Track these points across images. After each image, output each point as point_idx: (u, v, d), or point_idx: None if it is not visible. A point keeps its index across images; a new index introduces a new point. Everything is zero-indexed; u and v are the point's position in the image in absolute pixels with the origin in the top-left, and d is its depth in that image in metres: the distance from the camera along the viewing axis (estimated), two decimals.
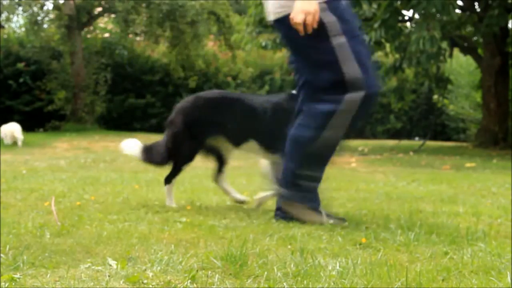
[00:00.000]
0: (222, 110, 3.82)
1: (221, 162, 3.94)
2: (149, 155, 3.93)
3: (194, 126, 3.79)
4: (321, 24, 3.06)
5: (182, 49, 17.54)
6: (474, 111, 18.32)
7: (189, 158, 3.86)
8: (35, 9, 17.23)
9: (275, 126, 3.68)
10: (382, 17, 10.16)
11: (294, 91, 3.75)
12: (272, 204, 4.09)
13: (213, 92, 4.32)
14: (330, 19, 3.07)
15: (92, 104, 17.28)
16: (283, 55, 16.82)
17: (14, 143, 12.32)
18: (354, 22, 3.22)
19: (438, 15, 10.17)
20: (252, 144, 3.80)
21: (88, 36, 18.54)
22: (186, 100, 3.97)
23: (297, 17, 3.02)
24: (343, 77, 3.08)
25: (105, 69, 17.57)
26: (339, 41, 3.08)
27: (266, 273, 1.96)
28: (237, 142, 3.84)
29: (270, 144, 3.72)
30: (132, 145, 3.94)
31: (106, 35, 19.44)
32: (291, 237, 2.68)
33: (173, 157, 3.86)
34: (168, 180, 3.91)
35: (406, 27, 12.06)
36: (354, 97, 3.08)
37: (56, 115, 17.18)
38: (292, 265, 2.07)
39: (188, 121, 3.80)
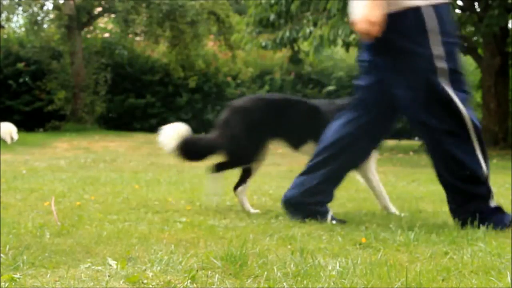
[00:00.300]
0: (283, 112, 3.75)
1: (247, 173, 3.85)
2: (188, 151, 3.76)
3: (255, 127, 3.69)
4: (424, 29, 2.91)
5: (182, 49, 17.53)
6: (474, 111, 18.29)
7: (252, 159, 3.74)
8: (35, 9, 17.22)
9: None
10: None
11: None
12: (271, 204, 4.09)
13: (274, 94, 4.29)
14: (434, 26, 2.92)
15: (92, 104, 17.27)
16: (283, 55, 16.82)
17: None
18: (453, 27, 3.10)
19: None
20: (312, 147, 3.71)
21: (88, 36, 18.52)
22: (244, 100, 3.87)
23: (361, 26, 2.87)
24: (441, 91, 2.95)
25: (105, 69, 17.55)
26: (439, 51, 2.93)
27: (266, 273, 1.96)
28: (297, 144, 3.79)
29: None
30: (170, 137, 3.73)
31: (106, 35, 19.43)
32: (291, 237, 2.68)
33: (233, 159, 3.73)
34: (218, 168, 3.76)
35: None
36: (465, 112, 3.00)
37: (56, 115, 17.16)
38: (292, 265, 2.07)
39: (248, 121, 3.69)
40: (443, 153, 3.05)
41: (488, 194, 3.04)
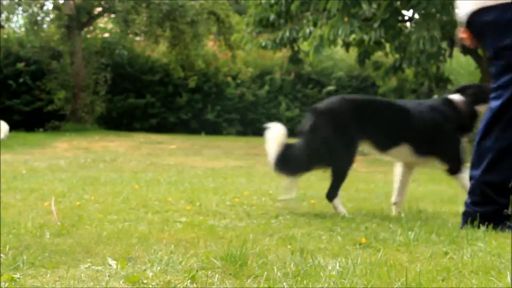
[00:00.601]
0: (372, 113, 3.67)
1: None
2: (285, 166, 3.64)
3: (345, 129, 3.59)
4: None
5: (182, 49, 17.51)
6: None
7: (350, 162, 3.65)
8: (35, 9, 17.20)
9: (431, 130, 3.59)
10: (382, 17, 10.16)
11: (449, 95, 3.66)
12: (271, 204, 4.09)
13: (360, 96, 4.21)
14: None
15: (92, 104, 17.26)
16: (283, 55, 16.80)
17: None
18: None
19: (438, 15, 10.17)
20: (402, 149, 3.67)
21: (88, 36, 18.51)
22: (330, 102, 3.75)
23: None
24: None
25: (105, 69, 17.54)
26: None
27: (266, 273, 1.96)
28: (386, 146, 3.70)
29: (423, 149, 3.61)
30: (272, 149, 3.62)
31: (106, 35, 19.42)
32: (291, 237, 2.68)
33: (332, 166, 3.64)
34: (333, 195, 3.66)
35: (406, 27, 12.06)
36: None
37: (56, 115, 17.15)
38: (292, 265, 2.07)
39: (337, 123, 3.60)
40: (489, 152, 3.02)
41: (506, 205, 3.04)
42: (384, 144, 3.70)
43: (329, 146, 3.59)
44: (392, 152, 3.73)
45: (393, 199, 3.82)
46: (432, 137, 3.63)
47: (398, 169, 3.85)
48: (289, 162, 3.65)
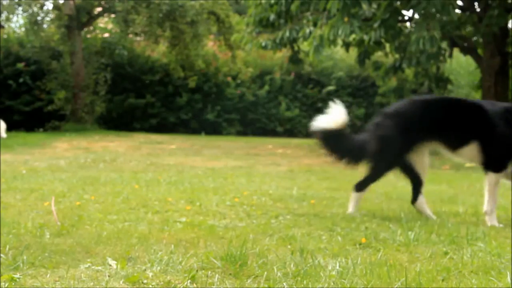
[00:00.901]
0: (440, 112, 3.67)
1: (417, 182, 3.74)
2: (337, 147, 3.72)
3: (407, 131, 3.61)
4: None
5: (182, 49, 17.51)
6: None
7: (392, 166, 3.68)
8: (35, 9, 17.20)
9: (501, 131, 3.56)
10: (382, 17, 10.17)
11: None
12: (271, 204, 4.09)
13: (431, 96, 4.16)
14: None
15: (92, 104, 17.27)
16: (283, 55, 16.81)
17: None
18: None
19: (438, 15, 10.18)
20: (472, 148, 3.63)
21: (88, 36, 18.51)
22: (399, 105, 3.80)
23: None
24: None
25: (105, 69, 17.54)
26: None
27: (266, 273, 1.96)
28: (456, 146, 3.67)
29: (488, 149, 3.57)
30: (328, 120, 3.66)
31: (106, 35, 19.42)
32: (291, 237, 2.68)
33: (374, 161, 3.65)
34: (361, 187, 3.69)
35: (406, 27, 12.07)
36: None
37: (56, 115, 17.15)
38: (292, 265, 2.07)
39: (401, 125, 3.62)
40: None
41: None
42: (453, 143, 3.68)
43: (381, 144, 3.61)
44: (462, 151, 3.70)
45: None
46: (498, 138, 3.59)
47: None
48: (340, 143, 3.71)
